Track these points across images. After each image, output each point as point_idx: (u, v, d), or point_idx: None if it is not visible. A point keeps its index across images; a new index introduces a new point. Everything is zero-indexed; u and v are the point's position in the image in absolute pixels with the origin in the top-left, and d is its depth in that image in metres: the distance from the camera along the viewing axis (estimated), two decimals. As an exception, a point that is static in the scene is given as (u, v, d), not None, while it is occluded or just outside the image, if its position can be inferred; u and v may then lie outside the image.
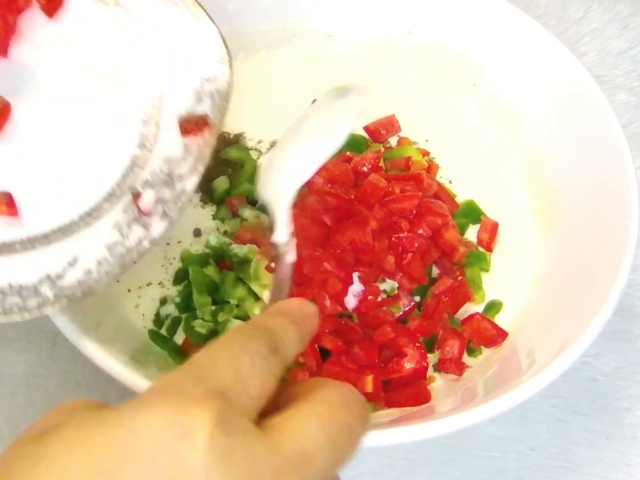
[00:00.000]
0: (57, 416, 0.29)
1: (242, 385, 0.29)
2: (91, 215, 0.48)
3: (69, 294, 0.46)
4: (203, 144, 0.50)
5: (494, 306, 0.61)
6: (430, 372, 0.57)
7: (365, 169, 0.62)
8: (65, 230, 0.48)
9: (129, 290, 0.60)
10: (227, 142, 0.69)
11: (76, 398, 0.31)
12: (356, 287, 0.55)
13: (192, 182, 0.49)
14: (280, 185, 0.48)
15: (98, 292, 0.46)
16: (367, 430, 0.31)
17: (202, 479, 0.25)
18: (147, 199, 0.48)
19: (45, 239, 0.47)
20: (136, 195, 0.48)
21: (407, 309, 0.57)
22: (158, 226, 0.48)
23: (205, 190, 0.65)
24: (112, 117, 0.51)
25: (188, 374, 0.29)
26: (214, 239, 0.60)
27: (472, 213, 0.66)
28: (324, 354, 0.55)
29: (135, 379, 0.46)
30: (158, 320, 0.59)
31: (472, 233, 0.66)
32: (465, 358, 0.58)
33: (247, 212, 0.62)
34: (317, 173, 0.60)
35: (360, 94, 0.51)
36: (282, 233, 0.46)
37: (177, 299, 0.59)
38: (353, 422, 0.30)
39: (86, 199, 0.48)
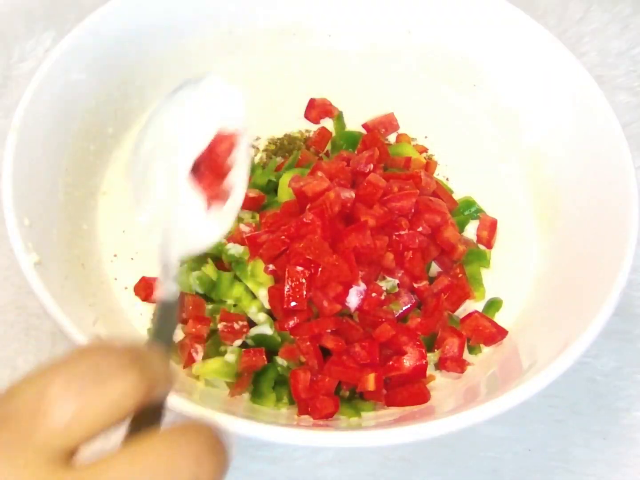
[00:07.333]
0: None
1: (41, 413, 0.27)
2: None
3: None
4: None
5: (494, 304, 0.61)
6: (431, 370, 0.57)
7: (362, 168, 0.61)
8: None
9: (126, 288, 0.60)
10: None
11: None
12: (358, 286, 0.55)
13: None
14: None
15: None
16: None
17: None
18: None
19: None
20: None
21: (407, 306, 0.57)
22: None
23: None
24: None
25: None
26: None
27: (470, 209, 0.66)
28: (325, 353, 0.55)
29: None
30: (156, 318, 0.58)
31: (471, 230, 0.65)
32: (467, 356, 0.58)
33: (244, 211, 0.62)
34: (313, 173, 0.60)
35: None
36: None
37: (175, 298, 0.59)
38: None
39: None
